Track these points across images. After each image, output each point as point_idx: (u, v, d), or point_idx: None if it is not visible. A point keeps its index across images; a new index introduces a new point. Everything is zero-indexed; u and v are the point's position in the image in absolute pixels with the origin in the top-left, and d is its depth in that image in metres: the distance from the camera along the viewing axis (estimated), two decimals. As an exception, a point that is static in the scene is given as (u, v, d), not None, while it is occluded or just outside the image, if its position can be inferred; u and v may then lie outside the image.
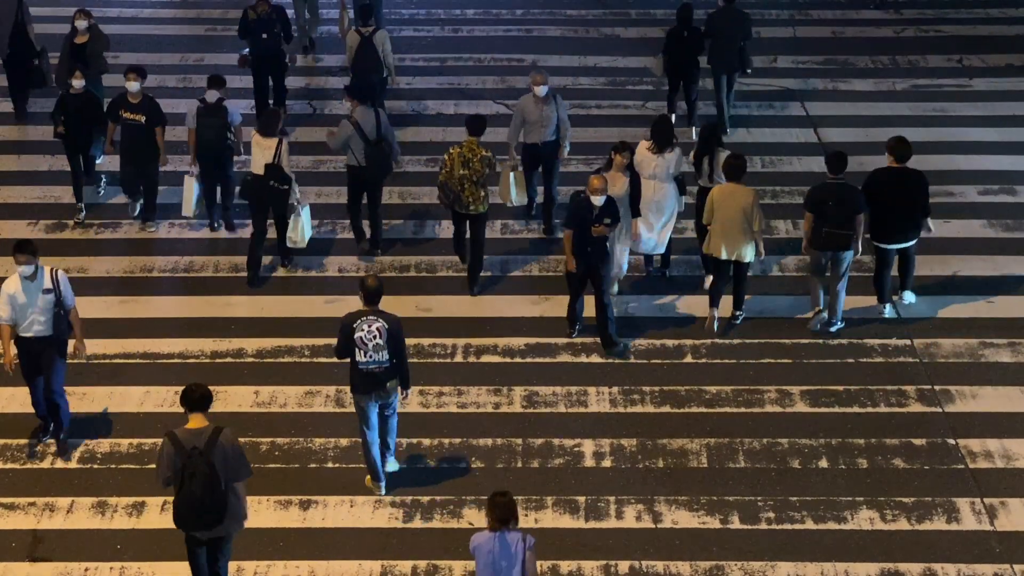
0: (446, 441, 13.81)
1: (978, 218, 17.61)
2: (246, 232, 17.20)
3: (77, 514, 12.87)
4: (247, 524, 12.62)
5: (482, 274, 16.21)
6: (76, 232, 17.39)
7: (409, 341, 15.01)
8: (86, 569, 12.26)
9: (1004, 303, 15.91)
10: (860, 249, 15.15)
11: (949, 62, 22.23)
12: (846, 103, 20.71)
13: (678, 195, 15.93)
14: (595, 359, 15.01)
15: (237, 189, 17.01)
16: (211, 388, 14.36)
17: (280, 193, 16.08)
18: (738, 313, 15.56)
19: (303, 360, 15.00)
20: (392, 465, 13.32)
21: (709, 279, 15.75)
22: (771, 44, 22.50)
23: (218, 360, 14.98)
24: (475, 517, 12.81)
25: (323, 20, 23.03)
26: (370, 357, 12.55)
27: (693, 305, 15.88)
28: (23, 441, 13.81)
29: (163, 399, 14.37)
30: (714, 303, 15.37)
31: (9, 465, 13.48)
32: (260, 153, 16.08)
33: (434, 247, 17.02)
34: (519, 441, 13.83)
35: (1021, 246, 17.02)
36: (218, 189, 17.22)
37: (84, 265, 16.68)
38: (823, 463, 13.46)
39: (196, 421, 11.20)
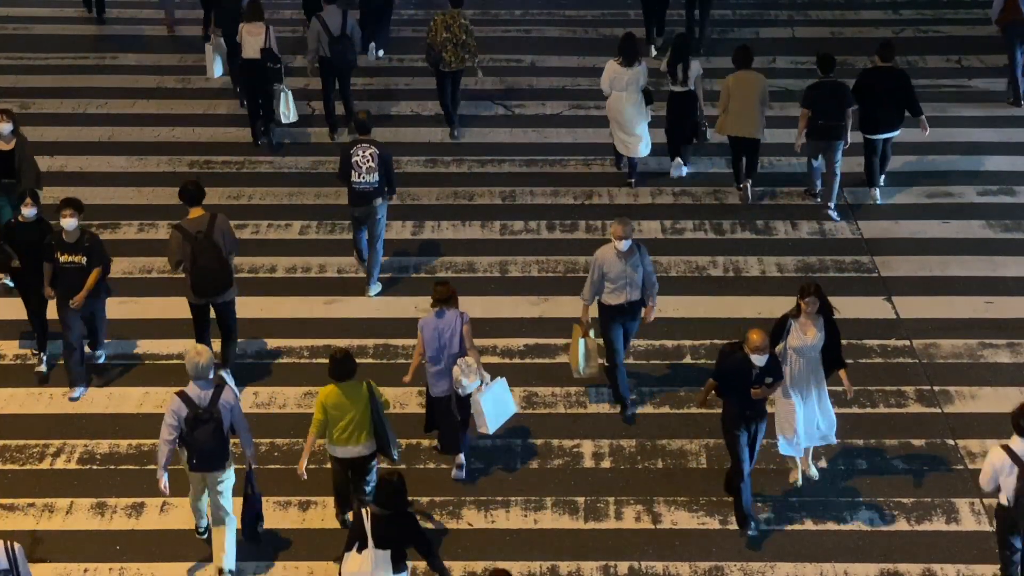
0: (445, 442, 13.81)
1: (977, 218, 17.62)
2: (245, 233, 17.23)
3: (76, 515, 12.87)
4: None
5: (484, 274, 16.22)
6: (75, 233, 17.36)
7: (408, 342, 15.03)
8: (85, 570, 12.26)
9: (1003, 304, 15.92)
10: (849, 140, 17.09)
11: (948, 62, 22.22)
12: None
13: (644, 103, 17.75)
14: (594, 360, 15.02)
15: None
16: (210, 389, 14.46)
17: (274, 72, 18.73)
18: (750, 181, 17.85)
19: (302, 361, 15.00)
20: (376, 287, 16.11)
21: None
22: (770, 44, 22.49)
23: (217, 361, 14.97)
24: (474, 518, 12.81)
25: None
26: (363, 178, 15.49)
27: (692, 306, 15.88)
28: (22, 442, 13.80)
29: (162, 400, 14.37)
30: (739, 179, 17.97)
31: (8, 466, 13.48)
32: (252, 39, 18.67)
33: (433, 248, 17.01)
34: (518, 442, 13.83)
35: (1020, 247, 17.03)
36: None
37: (83, 266, 16.67)
38: (822, 463, 13.47)
39: (195, 212, 14.11)
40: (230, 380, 14.26)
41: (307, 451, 12.14)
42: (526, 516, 12.82)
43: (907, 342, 15.27)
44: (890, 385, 14.60)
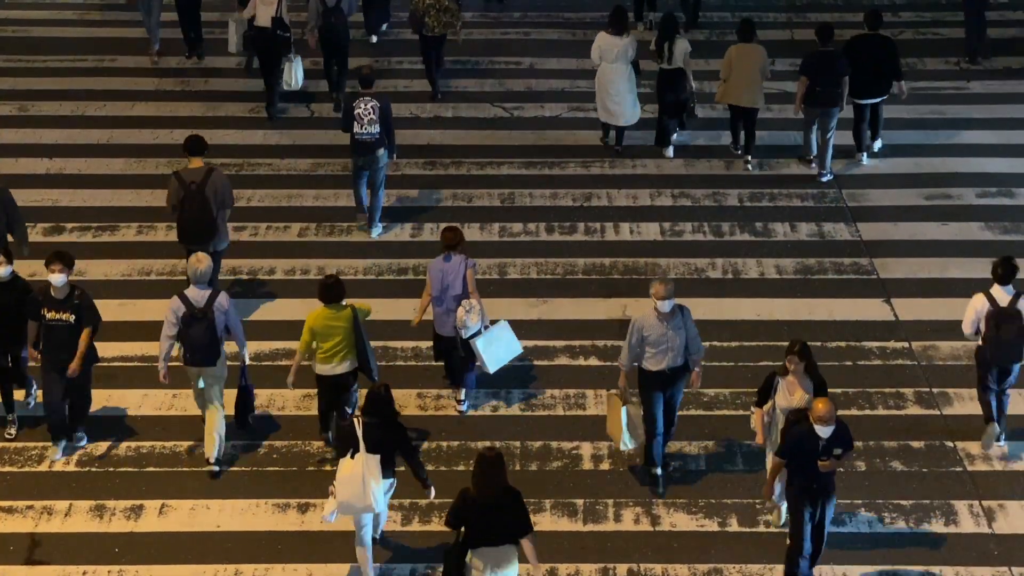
0: (444, 444, 13.80)
1: (976, 220, 17.62)
2: (244, 235, 17.24)
3: (75, 517, 12.87)
4: (248, 528, 12.63)
5: (483, 276, 16.23)
6: (74, 235, 17.38)
7: (407, 344, 15.04)
8: (84, 572, 12.25)
9: (1002, 305, 15.91)
10: (844, 106, 18.09)
11: (947, 64, 22.23)
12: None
13: (633, 77, 18.55)
14: (593, 362, 15.01)
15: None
16: (209, 391, 14.46)
17: (283, 40, 19.77)
18: (749, 157, 18.72)
19: (302, 363, 14.97)
20: (378, 229, 17.23)
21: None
22: (769, 47, 22.47)
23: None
24: (473, 520, 12.81)
25: None
26: (364, 129, 16.62)
27: (691, 307, 15.81)
28: (21, 444, 13.80)
29: (161, 402, 14.37)
30: (736, 144, 18.94)
31: (7, 468, 13.47)
32: (264, 8, 19.61)
33: (433, 250, 16.99)
34: (517, 444, 13.82)
35: (1019, 248, 17.01)
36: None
37: (82, 268, 16.65)
38: (821, 466, 13.46)
39: (195, 163, 15.09)
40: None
41: (295, 368, 13.20)
42: None
43: (906, 344, 15.27)
44: (889, 387, 14.59)
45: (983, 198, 18.14)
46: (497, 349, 14.00)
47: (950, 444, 13.78)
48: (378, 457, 11.61)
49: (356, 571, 12.23)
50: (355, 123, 16.68)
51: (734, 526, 12.74)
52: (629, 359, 12.85)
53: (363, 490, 11.51)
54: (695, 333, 12.84)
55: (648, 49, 19.39)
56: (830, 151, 18.37)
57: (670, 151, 19.11)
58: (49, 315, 13.14)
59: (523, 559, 11.03)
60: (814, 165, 18.62)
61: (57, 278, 13.05)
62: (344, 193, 18.08)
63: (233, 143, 19.59)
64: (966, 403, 14.33)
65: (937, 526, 12.74)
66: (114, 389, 14.56)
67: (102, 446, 13.77)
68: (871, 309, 15.87)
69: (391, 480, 11.99)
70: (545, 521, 12.81)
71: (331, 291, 13.05)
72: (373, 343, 15.20)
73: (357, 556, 11.96)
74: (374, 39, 23.04)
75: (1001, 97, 20.93)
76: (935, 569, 12.25)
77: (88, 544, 12.54)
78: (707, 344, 15.22)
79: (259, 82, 21.28)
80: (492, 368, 13.95)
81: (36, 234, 17.41)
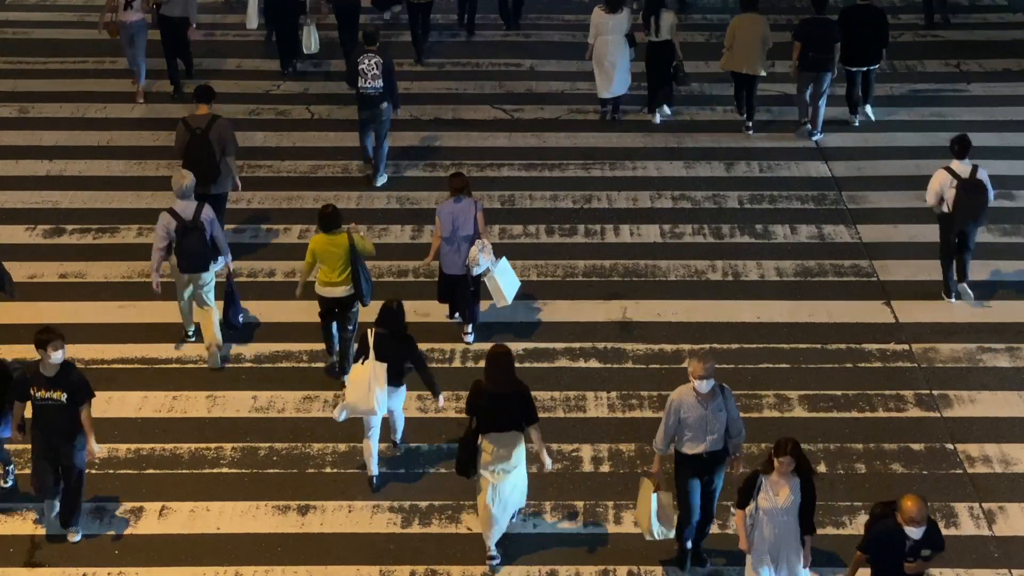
0: (444, 446, 13.80)
1: (976, 223, 17.62)
2: (244, 237, 17.25)
3: (75, 519, 12.86)
4: (247, 530, 12.63)
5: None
6: (74, 237, 17.38)
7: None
8: (83, 574, 12.24)
9: (1002, 308, 15.91)
10: (836, 71, 19.14)
11: (947, 67, 22.23)
12: (844, 107, 20.70)
13: (628, 48, 19.55)
14: (593, 364, 15.01)
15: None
16: (208, 393, 14.49)
17: (299, 5, 21.05)
18: (750, 123, 19.78)
19: (301, 365, 15.00)
20: (382, 179, 18.42)
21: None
22: (768, 49, 22.50)
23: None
24: (473, 522, 12.80)
25: None
26: (368, 84, 17.71)
27: (691, 310, 15.88)
28: (21, 446, 13.77)
29: (161, 404, 14.37)
30: (740, 109, 19.97)
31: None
32: None
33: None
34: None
35: (1019, 251, 17.03)
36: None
37: (82, 270, 16.68)
38: (821, 468, 13.46)
39: (202, 110, 16.28)
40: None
41: (301, 283, 14.48)
42: (525, 520, 12.81)
43: (906, 346, 15.27)
44: (889, 389, 14.59)
45: (983, 200, 18.13)
46: (508, 282, 15.04)
47: (950, 446, 13.78)
48: (386, 366, 12.67)
49: (355, 574, 12.23)
50: (359, 78, 17.73)
51: (734, 528, 12.72)
52: (665, 441, 11.83)
53: (368, 394, 12.58)
54: (736, 414, 11.83)
55: (636, 22, 20.16)
56: (822, 112, 19.43)
57: (657, 118, 20.12)
58: (39, 394, 12.09)
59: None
60: (808, 126, 19.62)
61: (56, 355, 12.04)
62: (344, 195, 18.09)
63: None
64: (966, 405, 14.33)
65: (937, 528, 12.73)
66: (114, 391, 14.55)
67: (102, 448, 13.74)
68: (871, 311, 15.87)
69: (403, 388, 13.11)
70: (545, 523, 12.81)
71: (329, 219, 14.15)
72: (373, 345, 15.26)
73: (363, 450, 13.17)
74: (387, 15, 23.88)
75: (1000, 99, 20.93)
76: (935, 571, 12.24)
77: (88, 546, 12.52)
78: (707, 346, 15.24)
79: (258, 83, 21.41)
80: (509, 299, 15.02)
81: (36, 236, 17.42)
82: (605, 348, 15.24)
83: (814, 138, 19.53)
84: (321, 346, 15.17)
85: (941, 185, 15.51)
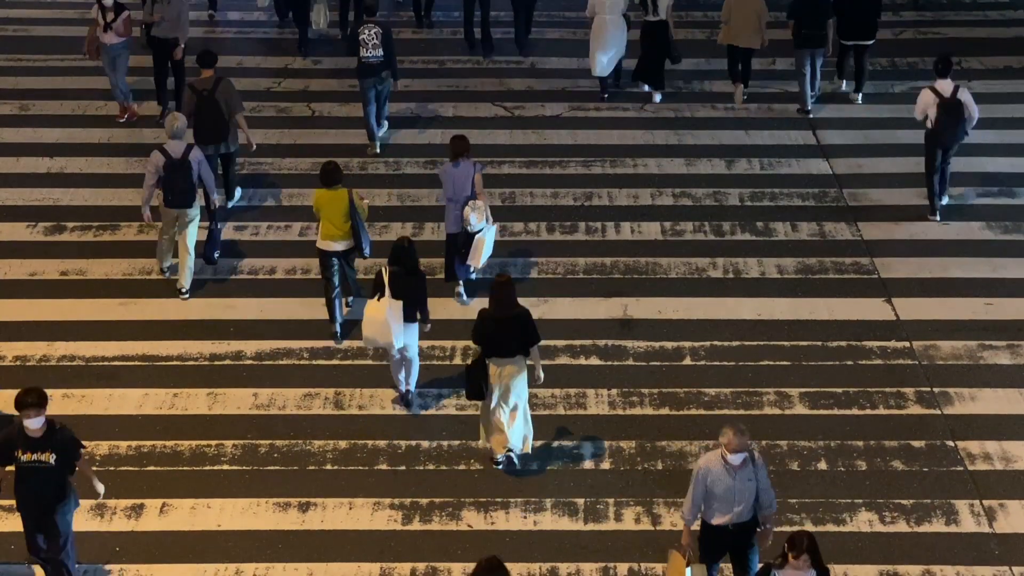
0: (444, 443, 13.80)
1: (977, 220, 17.61)
2: (245, 234, 17.25)
3: (76, 516, 12.80)
4: (248, 527, 12.64)
5: (483, 276, 16.23)
6: (75, 234, 17.38)
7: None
8: (84, 572, 12.24)
9: (1003, 305, 15.91)
10: (831, 48, 19.94)
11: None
12: (845, 105, 20.71)
13: (625, 28, 20.32)
14: (594, 361, 15.01)
15: None
16: (209, 390, 14.50)
17: None
18: (746, 89, 20.67)
19: (302, 362, 15.00)
20: (384, 130, 19.51)
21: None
22: (769, 46, 22.49)
23: (217, 362, 14.98)
24: (474, 519, 12.81)
25: None
26: (369, 53, 18.54)
27: (692, 307, 15.89)
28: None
29: (162, 401, 14.37)
30: (736, 80, 20.71)
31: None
32: None
33: (433, 249, 16.99)
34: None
35: (1020, 248, 17.02)
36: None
37: (83, 267, 16.68)
38: (822, 465, 13.46)
39: (206, 73, 17.28)
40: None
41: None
42: (526, 517, 12.82)
43: (907, 343, 15.26)
44: (890, 387, 14.59)
45: (984, 198, 18.13)
46: (488, 248, 15.63)
47: (951, 443, 13.78)
48: (401, 303, 13.52)
49: (356, 571, 12.24)
50: (360, 48, 18.57)
51: (735, 525, 12.73)
52: (692, 512, 11.19)
53: (384, 329, 13.50)
54: (767, 484, 11.14)
55: (635, 1, 20.58)
56: (819, 84, 20.48)
57: (658, 96, 20.75)
58: (25, 457, 11.35)
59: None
60: (808, 95, 20.40)
61: (34, 421, 11.30)
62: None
63: (234, 142, 19.60)
64: (967, 403, 14.33)
65: (938, 525, 12.74)
66: (115, 388, 14.56)
67: (103, 445, 13.77)
68: (872, 309, 15.87)
69: (416, 325, 13.83)
70: (546, 520, 12.81)
71: (330, 175, 14.97)
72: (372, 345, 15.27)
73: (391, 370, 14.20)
74: None
75: (1001, 97, 20.92)
76: (936, 568, 12.24)
77: (89, 543, 12.53)
78: (707, 343, 15.24)
79: (258, 81, 21.46)
80: (482, 263, 15.62)
81: (37, 233, 17.42)
82: (606, 345, 15.24)
83: (807, 109, 20.25)
84: (321, 344, 15.18)
85: (925, 103, 16.96)
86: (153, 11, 19.70)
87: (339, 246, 15.04)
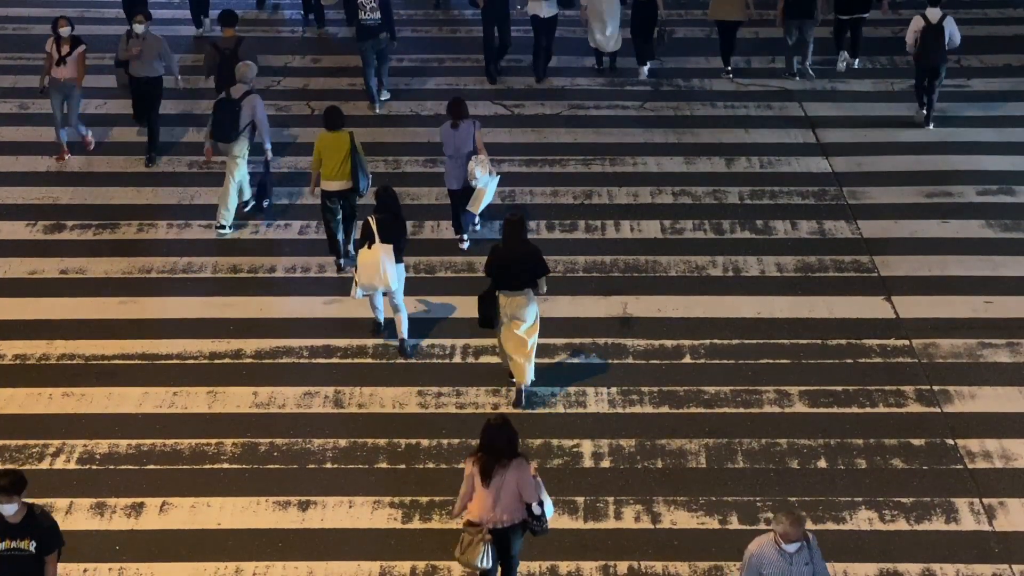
0: (444, 442, 13.81)
1: (976, 218, 17.62)
2: (245, 232, 17.25)
3: (75, 515, 12.87)
4: (248, 525, 12.64)
5: (483, 274, 16.23)
6: (75, 233, 17.38)
7: (407, 342, 15.00)
8: (84, 570, 12.25)
9: (1002, 303, 15.92)
10: (820, 18, 20.96)
11: (947, 62, 22.20)
12: (844, 103, 20.72)
13: (619, 6, 21.14)
14: (594, 360, 15.01)
15: None
16: (209, 389, 14.50)
17: None
18: (729, 68, 21.49)
19: (301, 361, 15.00)
20: (385, 95, 20.57)
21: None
22: (770, 45, 22.52)
23: (216, 361, 14.98)
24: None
25: None
26: (368, 16, 19.67)
27: (692, 306, 15.89)
28: (21, 442, 13.80)
29: (161, 400, 14.38)
30: (726, 61, 21.46)
31: (7, 466, 13.46)
32: None
33: (433, 248, 17.02)
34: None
35: (1019, 246, 17.03)
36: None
37: (82, 266, 16.69)
38: (822, 463, 13.47)
39: (228, 32, 18.63)
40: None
41: (312, 182, 16.28)
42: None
43: (906, 342, 15.27)
44: (889, 385, 14.59)
45: (984, 196, 18.14)
46: (488, 197, 16.44)
47: (951, 442, 13.78)
48: (391, 246, 14.40)
49: (356, 569, 12.24)
50: (359, 11, 19.70)
51: (735, 524, 12.74)
52: None
53: (380, 272, 14.35)
54: (823, 568, 10.40)
55: None
56: (810, 53, 21.27)
57: (645, 71, 21.49)
58: (3, 544, 10.51)
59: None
60: (797, 65, 21.37)
61: (7, 508, 10.50)
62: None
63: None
64: (967, 401, 14.33)
65: (938, 524, 12.74)
66: (114, 387, 14.57)
67: (103, 444, 13.77)
68: (872, 307, 15.87)
69: (402, 265, 14.68)
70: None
71: (333, 118, 15.88)
72: (372, 341, 15.27)
73: (371, 306, 15.19)
74: None
75: (1001, 95, 20.93)
76: (936, 567, 12.25)
77: (89, 542, 12.54)
78: (707, 342, 15.24)
79: (258, 79, 21.25)
80: (480, 209, 16.48)
81: (37, 232, 17.42)
82: (606, 344, 15.25)
83: (795, 77, 21.30)
84: (320, 342, 15.18)
85: (915, 29, 19.12)
86: (129, 45, 18.51)
87: (337, 186, 15.93)
